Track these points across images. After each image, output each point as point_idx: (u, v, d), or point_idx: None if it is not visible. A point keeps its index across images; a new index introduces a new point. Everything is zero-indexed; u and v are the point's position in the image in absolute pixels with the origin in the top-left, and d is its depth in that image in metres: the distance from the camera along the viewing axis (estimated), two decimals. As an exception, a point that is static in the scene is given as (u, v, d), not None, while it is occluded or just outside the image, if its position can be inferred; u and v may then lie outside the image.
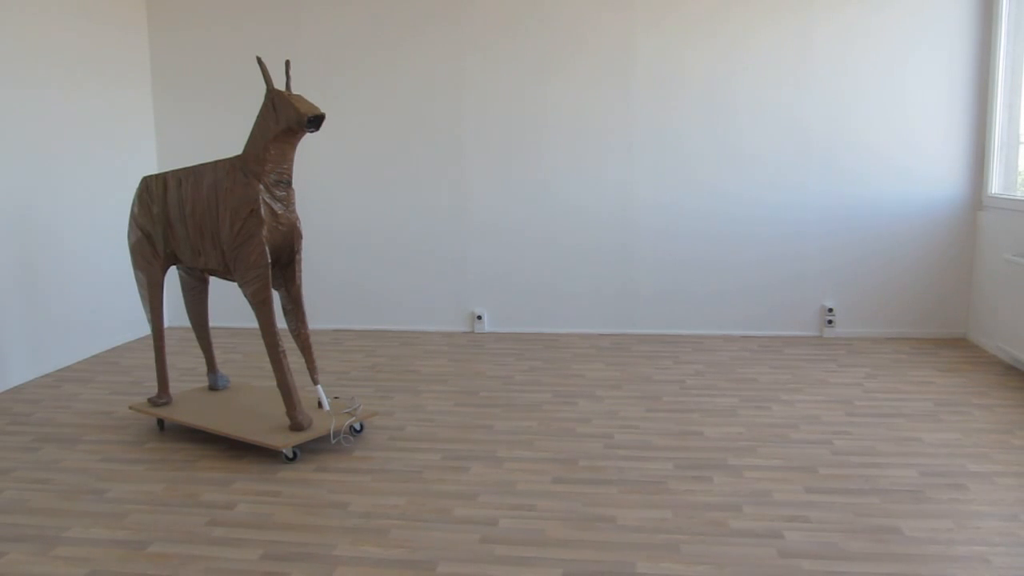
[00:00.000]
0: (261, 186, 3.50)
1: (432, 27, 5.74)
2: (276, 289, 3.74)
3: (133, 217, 3.95)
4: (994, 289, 5.13)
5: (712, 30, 5.47)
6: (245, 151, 3.56)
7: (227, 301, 6.14)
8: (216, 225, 3.63)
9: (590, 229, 5.77)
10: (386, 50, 5.82)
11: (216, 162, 3.65)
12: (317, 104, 5.86)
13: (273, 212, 3.53)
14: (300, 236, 3.65)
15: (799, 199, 5.56)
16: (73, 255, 5.27)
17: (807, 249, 5.61)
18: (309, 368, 3.74)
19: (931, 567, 2.56)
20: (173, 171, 3.81)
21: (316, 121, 3.40)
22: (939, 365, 4.89)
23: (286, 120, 3.41)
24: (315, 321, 6.12)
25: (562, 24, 5.59)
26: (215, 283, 6.10)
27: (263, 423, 3.70)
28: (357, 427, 3.82)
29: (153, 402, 3.99)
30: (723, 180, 5.60)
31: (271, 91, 3.46)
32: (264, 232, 3.49)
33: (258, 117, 3.51)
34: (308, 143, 5.98)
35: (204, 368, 5.10)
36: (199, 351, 5.53)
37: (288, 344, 5.65)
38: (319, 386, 3.80)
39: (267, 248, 3.50)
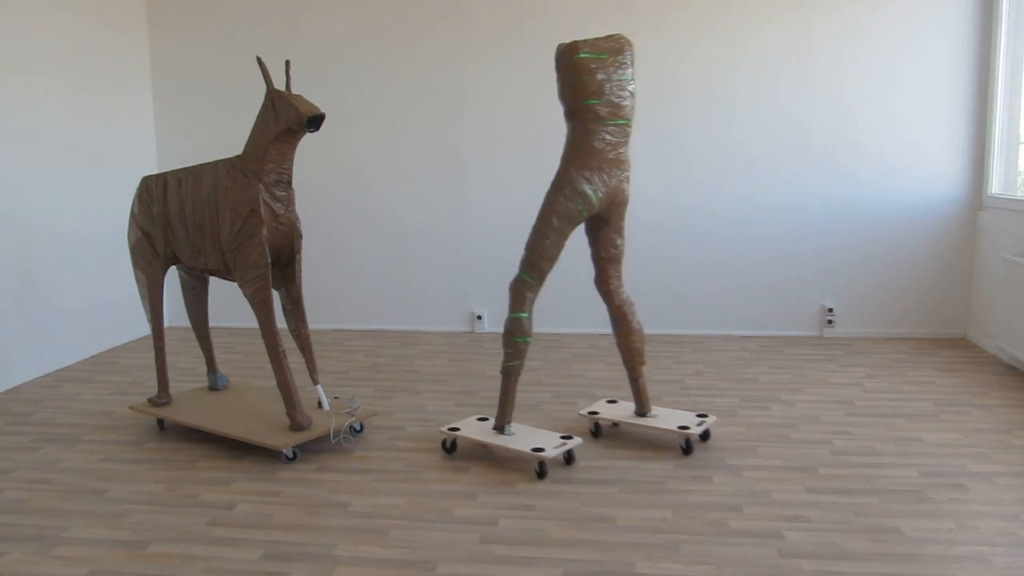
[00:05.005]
0: (261, 186, 3.50)
1: (432, 26, 5.74)
2: (276, 289, 3.74)
3: (133, 217, 3.95)
4: (994, 289, 5.13)
5: (711, 30, 5.47)
6: (245, 151, 3.56)
7: (227, 301, 6.14)
8: (216, 225, 3.63)
9: (590, 229, 5.76)
10: (386, 50, 5.82)
11: (216, 162, 3.65)
12: (317, 104, 5.86)
13: (273, 212, 3.53)
14: (300, 236, 3.65)
15: (799, 199, 5.56)
16: (73, 255, 5.27)
17: (807, 249, 5.61)
18: (309, 368, 3.74)
19: (931, 567, 2.56)
20: (173, 171, 3.81)
21: (316, 121, 3.40)
22: (939, 365, 4.89)
23: (286, 120, 3.41)
24: (315, 321, 6.12)
25: (562, 23, 5.59)
26: (215, 283, 6.10)
27: (263, 423, 3.70)
28: (357, 427, 3.82)
29: (153, 402, 3.99)
30: (723, 179, 5.60)
31: (271, 91, 3.46)
32: (264, 232, 3.49)
33: (258, 117, 3.51)
34: (308, 143, 5.98)
35: (204, 368, 5.11)
36: (199, 351, 5.53)
37: (288, 344, 5.65)
38: (319, 386, 3.80)
39: (267, 248, 3.50)
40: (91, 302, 5.44)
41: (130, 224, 3.96)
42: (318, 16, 5.85)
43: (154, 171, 6.19)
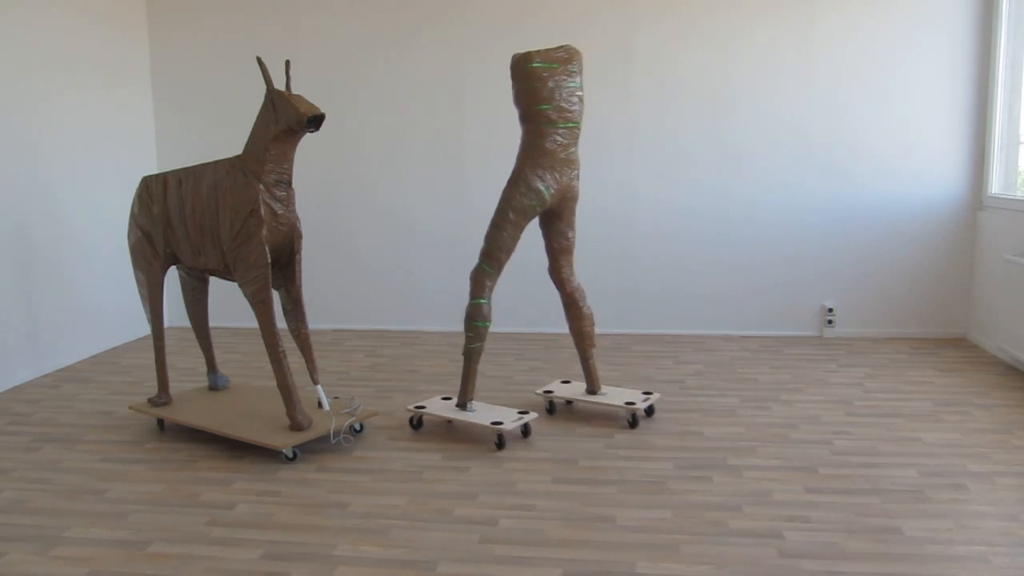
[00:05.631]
0: (261, 186, 3.50)
1: (432, 26, 5.74)
2: (276, 289, 3.74)
3: (133, 217, 3.95)
4: (994, 289, 5.13)
5: (711, 29, 5.47)
6: (245, 151, 3.56)
7: (227, 301, 6.14)
8: (216, 225, 3.63)
9: (590, 229, 5.77)
10: (386, 49, 5.82)
11: (216, 162, 3.65)
12: (317, 104, 5.86)
13: (273, 212, 3.53)
14: (300, 236, 3.65)
15: (799, 199, 5.56)
16: (73, 255, 5.27)
17: (807, 249, 5.61)
18: (309, 368, 3.74)
19: (931, 567, 2.56)
20: (173, 171, 3.81)
21: (316, 121, 3.40)
22: (939, 365, 4.89)
23: (286, 120, 3.41)
24: (315, 321, 6.12)
25: (561, 23, 5.59)
26: (215, 283, 6.10)
27: (263, 423, 3.70)
28: (357, 427, 3.82)
29: (153, 402, 4.00)
30: (723, 180, 5.60)
31: (271, 91, 3.46)
32: (264, 232, 3.49)
33: (258, 117, 3.51)
34: (308, 143, 5.98)
35: (204, 368, 5.11)
36: (199, 351, 5.53)
37: (288, 344, 5.65)
38: (319, 386, 3.80)
39: (267, 248, 3.50)
40: (91, 302, 5.44)
41: (130, 224, 3.96)
42: (318, 16, 5.85)
43: (154, 171, 6.19)
